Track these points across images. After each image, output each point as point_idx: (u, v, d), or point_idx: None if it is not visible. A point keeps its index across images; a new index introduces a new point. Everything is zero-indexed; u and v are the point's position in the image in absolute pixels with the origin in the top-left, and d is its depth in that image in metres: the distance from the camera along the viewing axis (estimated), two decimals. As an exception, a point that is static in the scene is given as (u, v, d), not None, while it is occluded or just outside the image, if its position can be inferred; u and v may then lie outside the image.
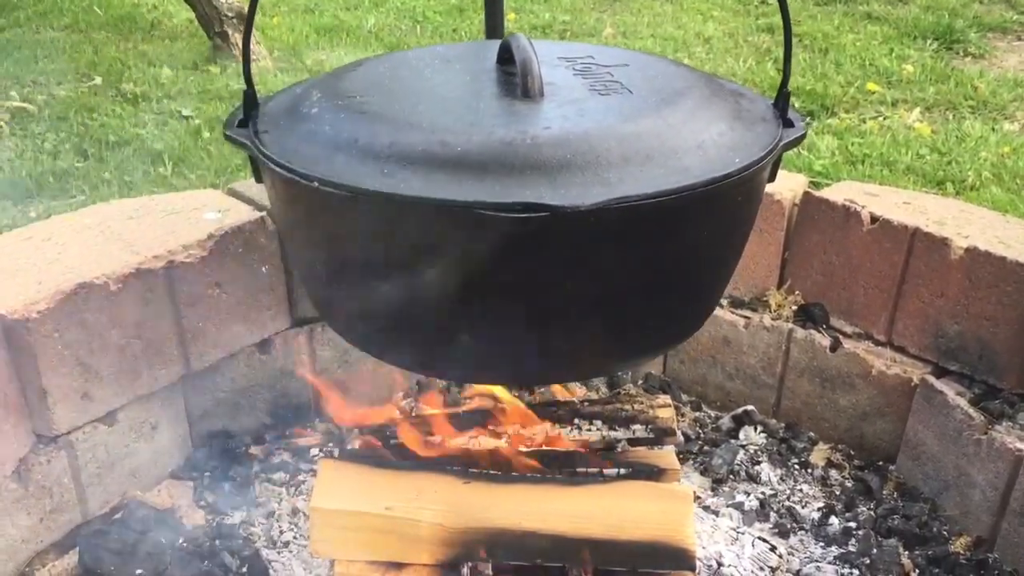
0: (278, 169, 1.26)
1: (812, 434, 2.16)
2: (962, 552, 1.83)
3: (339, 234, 1.27)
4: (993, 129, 3.72)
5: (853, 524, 1.91)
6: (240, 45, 4.49)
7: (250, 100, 1.41)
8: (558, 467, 1.66)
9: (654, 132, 1.23)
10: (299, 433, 2.10)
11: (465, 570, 1.55)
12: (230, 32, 4.67)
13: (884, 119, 3.86)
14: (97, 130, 3.77)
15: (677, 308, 1.38)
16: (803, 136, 1.38)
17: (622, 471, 1.65)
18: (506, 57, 1.41)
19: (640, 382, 2.32)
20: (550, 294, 1.22)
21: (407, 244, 1.20)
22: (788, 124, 1.38)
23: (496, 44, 1.46)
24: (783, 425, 2.19)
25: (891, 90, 4.15)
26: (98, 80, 4.39)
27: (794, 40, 1.37)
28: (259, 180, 1.43)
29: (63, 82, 4.38)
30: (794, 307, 2.15)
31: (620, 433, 1.72)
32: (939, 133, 3.66)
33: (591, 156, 1.17)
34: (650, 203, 1.14)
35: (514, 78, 1.32)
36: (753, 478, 2.03)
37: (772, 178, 1.39)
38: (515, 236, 1.13)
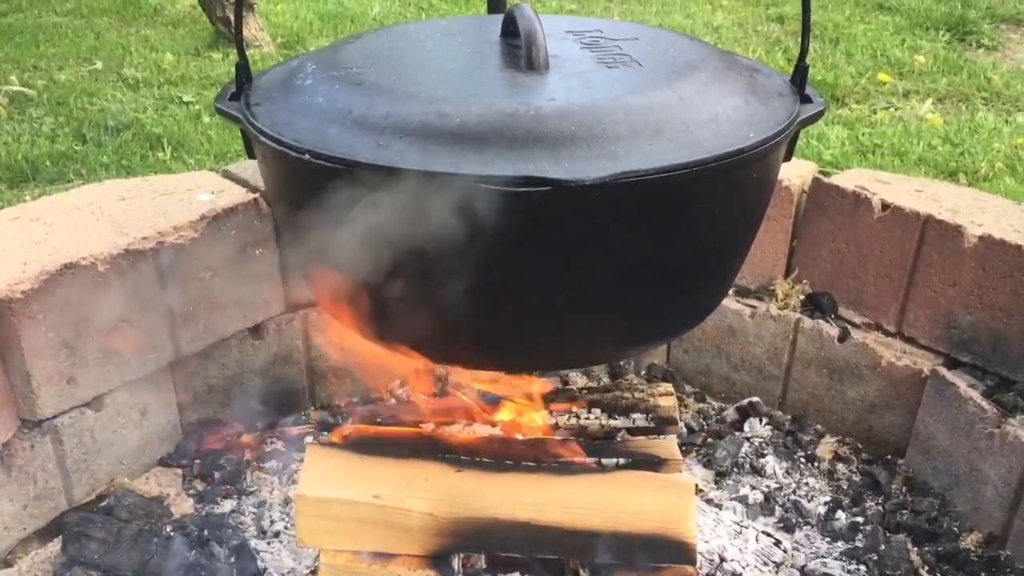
0: (269, 142, 1.21)
1: (819, 427, 2.11)
2: (973, 549, 1.78)
3: (332, 210, 1.22)
4: (1007, 121, 3.66)
5: (860, 519, 1.86)
6: (243, 30, 4.45)
7: (242, 72, 1.36)
8: (554, 456, 1.60)
9: (664, 105, 1.18)
10: (292, 421, 2.06)
11: (456, 562, 1.50)
12: (232, 18, 4.63)
13: (895, 110, 3.80)
14: (96, 114, 3.73)
15: (687, 292, 1.32)
16: (822, 112, 1.32)
17: (621, 461, 1.60)
18: (511, 29, 1.35)
19: (643, 372, 2.27)
20: (552, 273, 1.17)
21: (402, 220, 1.14)
22: (806, 100, 1.32)
23: (500, 18, 1.41)
24: (789, 417, 2.14)
25: (903, 81, 4.09)
26: (99, 65, 4.35)
27: (805, 30, 1.31)
28: (251, 155, 1.38)
29: (64, 67, 4.34)
30: (801, 296, 2.10)
31: (620, 422, 1.66)
32: (951, 124, 3.60)
33: (597, 129, 1.12)
34: (659, 178, 1.09)
35: (518, 50, 1.27)
36: (758, 471, 1.98)
37: (788, 157, 1.34)
38: (516, 211, 1.08)
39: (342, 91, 1.23)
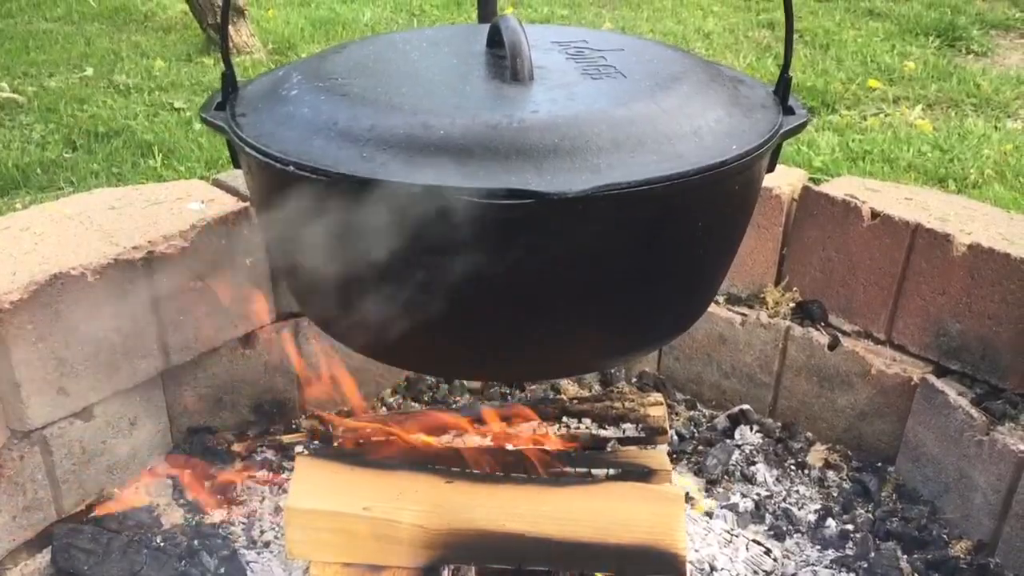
0: (253, 153, 1.21)
1: (809, 434, 2.11)
2: (962, 556, 1.78)
3: (316, 222, 1.22)
4: (996, 127, 3.67)
5: (851, 527, 1.86)
6: (234, 36, 4.45)
7: (228, 82, 1.36)
8: (544, 467, 1.60)
9: (647, 117, 1.18)
10: (283, 430, 2.05)
11: (446, 574, 1.50)
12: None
13: (885, 116, 3.81)
14: (87, 121, 3.72)
15: (670, 302, 1.32)
16: (805, 124, 1.32)
17: (611, 471, 1.60)
18: (496, 40, 1.35)
19: (634, 380, 2.27)
20: (536, 285, 1.17)
21: (385, 232, 1.14)
22: (789, 111, 1.32)
23: (486, 28, 1.41)
24: (780, 425, 2.14)
25: (893, 87, 4.10)
26: (90, 71, 4.34)
27: (795, 36, 1.31)
28: (237, 165, 1.38)
29: (54, 73, 4.32)
30: (792, 304, 2.10)
31: (610, 432, 1.66)
32: (941, 130, 3.61)
33: (580, 141, 1.12)
34: (641, 191, 1.09)
35: (503, 61, 1.27)
36: (748, 479, 1.99)
37: (772, 168, 1.34)
38: (499, 224, 1.08)
39: (327, 102, 1.23)
